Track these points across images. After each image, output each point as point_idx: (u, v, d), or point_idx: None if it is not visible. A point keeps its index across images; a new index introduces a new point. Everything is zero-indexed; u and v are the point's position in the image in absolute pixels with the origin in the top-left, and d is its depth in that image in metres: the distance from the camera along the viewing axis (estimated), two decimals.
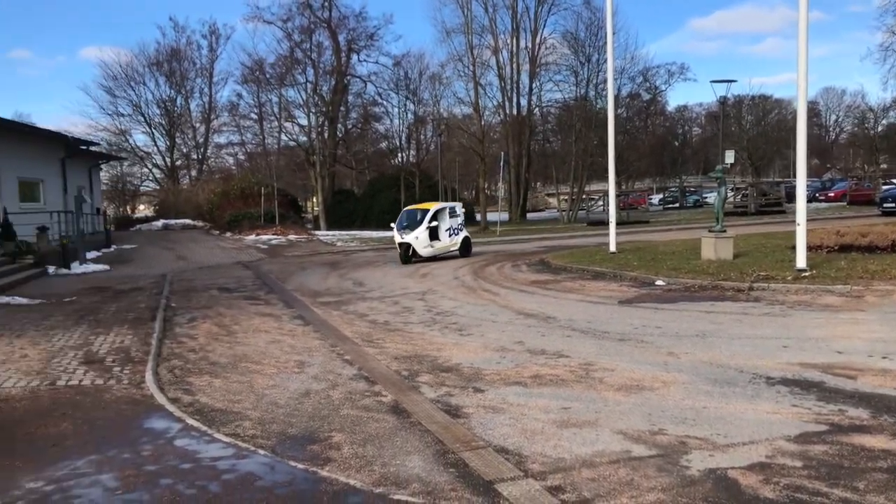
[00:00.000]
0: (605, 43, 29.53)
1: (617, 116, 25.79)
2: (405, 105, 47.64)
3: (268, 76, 46.93)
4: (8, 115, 28.23)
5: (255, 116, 50.85)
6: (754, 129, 67.63)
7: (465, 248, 21.67)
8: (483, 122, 43.16)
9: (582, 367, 7.33)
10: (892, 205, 34.28)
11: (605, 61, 33.36)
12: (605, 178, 37.49)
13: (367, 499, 4.20)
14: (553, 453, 4.95)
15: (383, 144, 52.74)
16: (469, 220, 45.49)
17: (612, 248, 18.69)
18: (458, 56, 43.95)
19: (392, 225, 21.38)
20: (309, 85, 45.91)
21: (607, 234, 19.71)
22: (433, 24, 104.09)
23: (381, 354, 8.40)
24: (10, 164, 23.28)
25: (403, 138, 49.04)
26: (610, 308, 11.22)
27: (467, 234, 22.02)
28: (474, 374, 7.27)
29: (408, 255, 20.06)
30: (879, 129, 65.82)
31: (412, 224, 20.26)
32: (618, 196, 28.88)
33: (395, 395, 6.57)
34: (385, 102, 49.31)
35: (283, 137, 49.35)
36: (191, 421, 5.82)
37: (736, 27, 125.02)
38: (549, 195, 79.13)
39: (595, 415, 5.76)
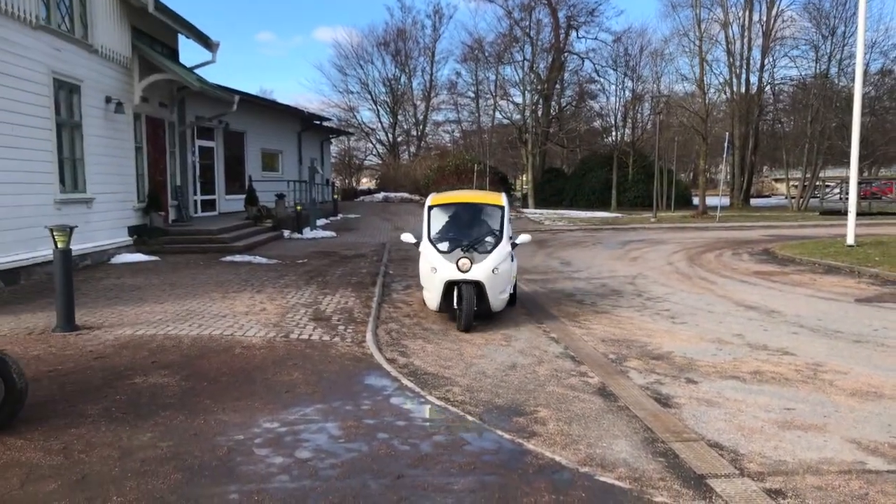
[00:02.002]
0: (855, 13, 26.66)
1: (864, 95, 23.11)
2: (623, 82, 46.27)
3: (486, 54, 47.87)
4: (254, 92, 31.31)
5: (471, 94, 52.22)
6: None
7: (514, 286, 9.97)
8: (707, 101, 40.79)
9: (809, 367, 6.75)
10: None
11: (853, 34, 30.20)
12: (843, 164, 34.08)
13: (573, 476, 4.18)
14: (773, 455, 4.62)
15: (597, 123, 51.68)
16: (686, 203, 43.71)
17: (850, 240, 17.00)
18: (683, 31, 41.91)
19: (407, 237, 10.17)
20: (526, 62, 46.11)
21: (844, 226, 17.99)
22: None
23: (588, 335, 8.31)
24: (255, 136, 25.98)
25: (619, 116, 47.72)
26: (845, 306, 10.21)
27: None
28: (687, 364, 6.96)
29: (472, 308, 8.43)
30: None
31: (476, 239, 8.99)
32: (860, 184, 26.10)
33: (602, 377, 6.48)
34: (602, 79, 48.25)
35: (498, 115, 50.15)
36: (405, 381, 6.16)
37: None
38: (776, 180, 73.31)
39: (823, 419, 5.29)
